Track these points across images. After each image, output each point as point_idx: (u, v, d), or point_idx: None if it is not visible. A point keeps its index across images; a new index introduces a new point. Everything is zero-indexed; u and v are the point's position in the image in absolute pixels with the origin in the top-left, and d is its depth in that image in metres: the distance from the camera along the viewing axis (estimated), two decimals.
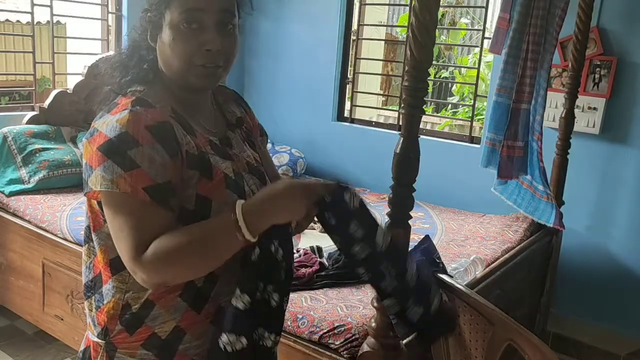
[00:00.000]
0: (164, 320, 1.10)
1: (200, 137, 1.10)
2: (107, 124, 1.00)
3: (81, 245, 2.57)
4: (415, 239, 1.56)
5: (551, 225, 2.55)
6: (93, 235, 1.12)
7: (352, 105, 3.97)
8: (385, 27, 6.67)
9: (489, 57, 4.88)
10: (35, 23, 3.40)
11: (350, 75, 3.90)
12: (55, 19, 3.51)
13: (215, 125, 1.18)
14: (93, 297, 1.14)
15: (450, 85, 6.95)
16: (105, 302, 1.12)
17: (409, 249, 1.53)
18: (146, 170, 0.98)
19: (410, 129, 1.45)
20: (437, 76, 6.63)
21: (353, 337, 1.71)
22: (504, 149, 2.39)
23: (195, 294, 1.10)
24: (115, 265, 1.08)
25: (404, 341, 1.62)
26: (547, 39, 2.35)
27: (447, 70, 7.11)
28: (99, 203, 1.07)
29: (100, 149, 0.98)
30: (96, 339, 1.15)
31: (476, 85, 3.61)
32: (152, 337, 1.10)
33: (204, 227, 1.02)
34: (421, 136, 1.47)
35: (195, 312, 1.11)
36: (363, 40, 4.05)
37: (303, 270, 2.09)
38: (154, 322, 1.10)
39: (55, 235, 2.58)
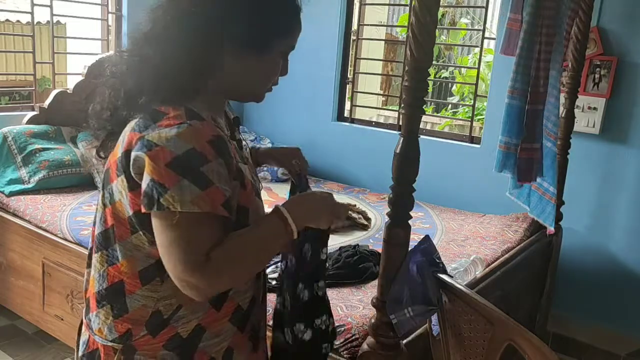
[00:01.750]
0: (187, 320, 1.12)
1: (234, 152, 1.11)
2: (167, 138, 1.00)
3: (81, 245, 2.57)
4: (415, 239, 1.56)
5: (550, 228, 2.55)
6: (117, 245, 1.11)
7: (352, 105, 3.97)
8: (385, 27, 6.67)
9: (489, 57, 4.89)
10: (35, 23, 3.40)
11: (350, 75, 3.90)
12: (55, 19, 3.51)
13: (225, 125, 1.21)
14: (110, 306, 1.14)
15: (450, 85, 6.95)
16: (130, 310, 1.12)
17: (409, 249, 1.53)
18: (219, 187, 1.00)
19: (410, 129, 1.45)
20: (437, 76, 6.63)
21: (353, 337, 1.71)
22: (523, 152, 2.33)
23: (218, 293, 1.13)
24: (145, 276, 1.10)
25: (404, 341, 1.63)
26: (557, 39, 2.34)
27: (447, 70, 7.11)
28: (136, 214, 1.06)
29: (171, 167, 0.98)
30: (109, 344, 1.15)
31: (476, 85, 3.61)
32: (174, 337, 1.12)
33: (256, 231, 1.09)
34: (421, 136, 1.47)
35: (215, 311, 1.14)
36: (363, 40, 4.05)
37: None
38: (178, 323, 1.12)
39: (55, 235, 2.58)
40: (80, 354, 1.24)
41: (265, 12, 1.10)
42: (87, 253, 2.42)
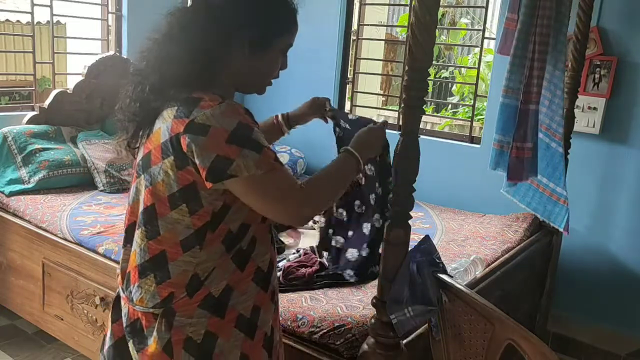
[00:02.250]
0: (218, 281, 1.28)
1: None
2: (215, 118, 1.18)
3: (81, 245, 2.57)
4: (415, 239, 1.56)
5: (562, 230, 2.54)
6: (158, 221, 1.26)
7: (352, 105, 3.97)
8: (385, 27, 6.67)
9: (489, 57, 4.89)
10: (35, 23, 3.40)
11: (350, 75, 3.90)
12: (55, 19, 3.52)
13: None
14: (153, 275, 1.29)
15: (450, 85, 6.95)
16: (172, 276, 1.27)
17: (409, 249, 1.53)
18: (268, 146, 1.21)
19: (410, 129, 1.45)
20: (437, 76, 6.63)
21: (353, 337, 1.71)
22: (514, 151, 2.36)
23: (240, 255, 1.30)
24: (186, 244, 1.25)
25: (404, 341, 1.63)
26: (560, 38, 2.34)
27: (447, 70, 7.11)
28: (185, 187, 1.22)
29: (230, 142, 1.17)
30: (149, 310, 1.29)
31: (476, 85, 3.61)
32: (207, 297, 1.27)
33: (333, 168, 1.36)
34: (421, 136, 1.47)
35: (240, 271, 1.30)
36: (363, 40, 4.05)
37: (303, 270, 2.09)
38: (211, 283, 1.28)
39: (55, 235, 2.58)
40: (124, 325, 1.37)
41: (266, 15, 1.29)
42: (86, 253, 2.43)
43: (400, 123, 1.53)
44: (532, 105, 2.36)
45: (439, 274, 1.56)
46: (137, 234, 1.31)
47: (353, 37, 3.84)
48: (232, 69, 1.30)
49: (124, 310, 1.37)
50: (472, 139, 3.41)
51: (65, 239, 2.54)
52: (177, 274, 1.27)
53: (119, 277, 1.40)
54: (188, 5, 1.34)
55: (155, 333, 1.28)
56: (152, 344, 1.29)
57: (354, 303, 1.91)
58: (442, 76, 6.93)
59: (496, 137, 2.40)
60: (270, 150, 1.21)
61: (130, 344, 1.34)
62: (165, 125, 1.24)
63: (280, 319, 1.81)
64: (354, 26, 3.85)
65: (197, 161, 1.18)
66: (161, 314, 1.28)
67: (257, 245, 1.33)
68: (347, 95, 3.92)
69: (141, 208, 1.30)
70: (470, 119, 3.55)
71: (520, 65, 2.33)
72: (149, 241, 1.28)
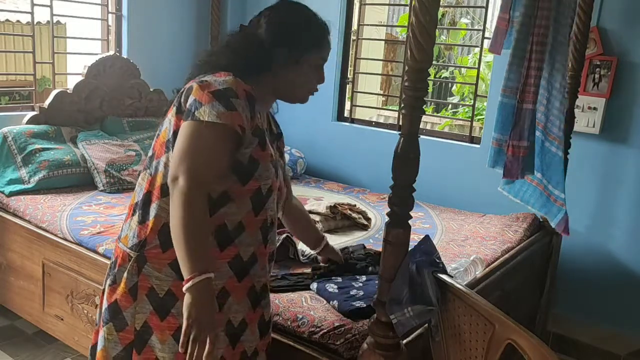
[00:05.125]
0: None
1: (259, 117, 1.46)
2: (215, 80, 1.37)
3: (81, 245, 2.58)
4: (415, 239, 1.56)
5: (554, 227, 2.55)
6: (154, 162, 1.43)
7: (352, 105, 3.97)
8: (385, 27, 6.67)
9: (489, 57, 4.88)
10: (35, 23, 3.40)
11: (350, 75, 3.90)
12: (55, 19, 3.51)
13: (267, 124, 1.57)
14: (139, 213, 1.44)
15: (450, 85, 6.95)
16: (150, 218, 1.41)
17: (409, 249, 1.53)
18: (241, 114, 1.34)
19: (410, 129, 1.45)
20: (437, 76, 6.63)
21: (353, 337, 1.71)
22: (510, 149, 2.38)
23: (224, 236, 1.41)
24: (165, 189, 1.37)
25: (404, 341, 1.63)
26: (558, 39, 2.34)
27: (447, 70, 7.11)
28: (175, 132, 1.36)
29: (211, 92, 1.34)
30: (127, 250, 1.45)
31: (476, 85, 3.61)
32: (177, 260, 1.32)
33: (201, 247, 1.31)
34: (421, 136, 1.47)
35: (218, 250, 1.41)
36: (363, 40, 4.05)
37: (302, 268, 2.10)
38: None
39: (55, 235, 2.58)
40: (110, 262, 1.54)
41: (296, 35, 1.48)
42: (86, 253, 2.44)
43: (400, 123, 1.53)
44: (528, 105, 2.37)
45: (439, 274, 1.56)
46: (142, 175, 1.48)
47: (353, 37, 3.84)
48: (270, 77, 1.50)
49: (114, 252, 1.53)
50: (472, 139, 3.41)
51: (65, 239, 2.54)
52: (153, 217, 1.40)
53: None
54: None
55: (125, 274, 1.44)
56: (121, 283, 1.44)
57: None
58: (442, 76, 6.93)
59: (494, 136, 2.43)
60: (241, 118, 1.33)
61: (105, 281, 1.51)
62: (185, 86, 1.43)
63: (280, 319, 1.81)
64: (354, 26, 3.85)
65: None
66: (134, 259, 1.42)
67: (245, 233, 1.43)
68: (347, 95, 3.92)
69: (150, 154, 1.48)
70: (470, 119, 3.55)
71: (518, 65, 2.34)
72: (148, 179, 1.45)
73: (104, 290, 1.53)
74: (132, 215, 1.47)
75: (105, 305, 1.49)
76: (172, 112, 1.42)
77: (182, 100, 1.39)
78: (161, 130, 1.45)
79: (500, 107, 2.41)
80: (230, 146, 1.35)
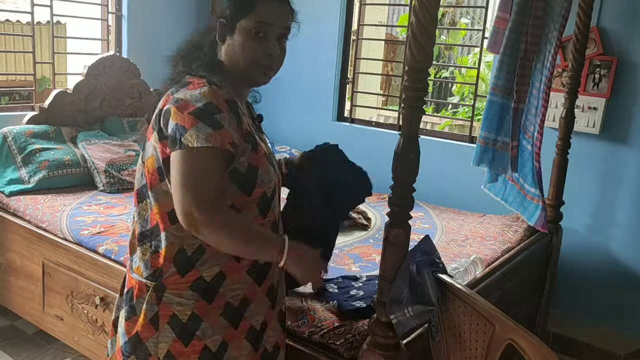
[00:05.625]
0: (210, 265, 1.35)
1: (247, 119, 1.38)
2: (191, 95, 1.27)
3: (81, 245, 2.58)
4: (415, 239, 1.56)
5: (532, 225, 2.56)
6: (150, 193, 1.36)
7: (352, 105, 3.97)
8: (385, 27, 6.67)
9: (489, 57, 4.89)
10: (35, 23, 3.40)
11: (350, 75, 3.90)
12: (55, 19, 3.51)
13: (249, 115, 1.45)
14: (149, 244, 1.38)
15: (450, 85, 6.95)
16: (162, 247, 1.35)
17: (409, 249, 1.53)
18: (229, 131, 1.25)
19: (410, 129, 1.45)
20: (437, 76, 6.63)
21: (353, 337, 1.71)
22: (499, 146, 2.39)
23: None
24: (174, 216, 1.29)
25: (404, 341, 1.63)
26: (549, 39, 2.34)
27: (447, 70, 7.11)
28: (165, 160, 1.29)
29: (192, 114, 1.24)
30: (144, 280, 1.38)
31: (476, 85, 3.61)
32: (199, 279, 1.35)
33: (261, 232, 1.35)
34: (421, 136, 1.47)
35: (235, 261, 1.37)
36: (363, 40, 4.05)
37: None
38: (203, 267, 1.35)
39: (55, 235, 2.58)
40: (124, 292, 1.47)
41: (228, 2, 1.37)
42: (86, 253, 2.44)
43: (400, 123, 1.53)
44: (521, 104, 2.38)
45: (439, 274, 1.56)
46: (141, 206, 1.41)
47: (353, 37, 3.84)
48: (222, 57, 1.39)
49: (126, 280, 1.47)
50: (472, 139, 3.41)
51: (65, 239, 2.54)
52: (166, 246, 1.34)
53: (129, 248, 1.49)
54: None
55: (144, 305, 1.37)
56: (141, 315, 1.38)
57: None
58: (442, 76, 6.93)
59: (482, 134, 2.44)
60: (229, 135, 1.25)
61: (122, 312, 1.44)
62: (160, 103, 1.36)
63: None
64: (354, 26, 3.85)
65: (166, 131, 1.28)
66: (153, 288, 1.36)
67: None
68: (347, 95, 3.92)
69: (141, 182, 1.40)
70: (470, 119, 3.55)
71: (508, 64, 2.35)
72: (150, 212, 1.37)
73: (115, 321, 1.49)
74: (140, 245, 1.40)
75: (123, 339, 1.42)
76: (153, 136, 1.33)
77: (161, 124, 1.30)
78: (146, 157, 1.37)
79: (488, 105, 2.42)
80: (227, 164, 1.29)
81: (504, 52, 2.34)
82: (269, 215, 1.43)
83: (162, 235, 1.35)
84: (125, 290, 1.45)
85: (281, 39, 1.39)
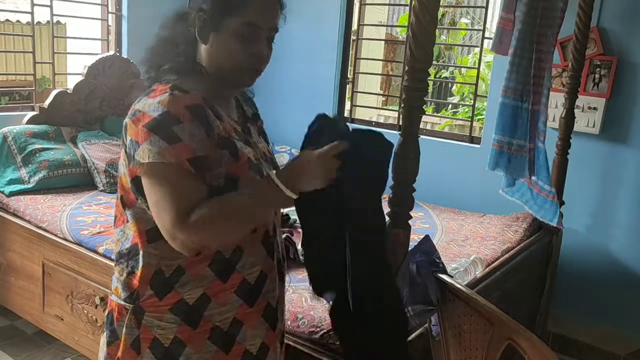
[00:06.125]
0: (192, 287, 1.22)
1: (226, 124, 1.24)
2: (149, 105, 1.14)
3: (81, 245, 2.58)
4: (415, 239, 1.56)
5: (554, 225, 2.55)
6: (127, 211, 1.25)
7: (352, 105, 3.97)
8: (385, 27, 6.67)
9: (489, 57, 4.88)
10: (35, 23, 3.40)
11: (350, 75, 3.90)
12: (55, 19, 3.52)
13: (237, 117, 1.33)
14: (126, 263, 1.27)
15: (450, 85, 6.95)
16: (139, 267, 1.24)
17: (409, 249, 1.53)
18: (189, 144, 1.11)
19: (410, 129, 1.45)
20: (437, 76, 6.62)
21: None
22: (514, 149, 2.36)
23: (223, 265, 1.23)
24: (152, 235, 1.21)
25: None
26: (549, 39, 2.34)
27: (447, 70, 7.11)
28: (133, 180, 1.18)
29: (146, 127, 1.11)
30: (122, 302, 1.27)
31: (476, 85, 3.61)
32: (179, 302, 1.23)
33: (243, 199, 1.17)
34: (421, 136, 1.47)
35: (221, 282, 1.24)
36: (363, 40, 4.05)
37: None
38: (183, 289, 1.23)
39: (55, 235, 2.58)
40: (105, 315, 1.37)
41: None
42: (86, 253, 2.43)
43: (400, 123, 1.53)
44: (536, 106, 2.36)
45: (439, 274, 1.56)
46: (127, 225, 1.28)
47: (353, 37, 3.84)
48: (201, 55, 1.25)
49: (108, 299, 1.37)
50: (472, 139, 3.41)
51: (65, 239, 2.54)
52: (142, 266, 1.23)
53: None
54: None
55: (124, 329, 1.27)
56: (122, 339, 1.28)
57: None
58: (442, 76, 6.93)
59: (495, 138, 2.40)
60: (190, 150, 1.11)
61: (103, 337, 1.34)
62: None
63: None
64: (354, 26, 3.85)
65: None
66: (131, 310, 1.26)
67: (244, 255, 1.25)
68: (347, 95, 3.92)
69: (118, 201, 1.30)
70: (470, 119, 3.55)
71: (519, 65, 2.33)
72: (132, 231, 1.26)
73: (102, 344, 1.39)
74: (118, 265, 1.31)
75: None
76: (122, 153, 1.23)
77: (124, 140, 1.19)
78: (120, 174, 1.26)
79: (501, 108, 2.38)
80: (196, 172, 1.13)
81: (515, 54, 2.31)
82: (258, 228, 1.28)
83: (140, 254, 1.24)
84: (107, 311, 1.34)
85: (270, 41, 1.27)
